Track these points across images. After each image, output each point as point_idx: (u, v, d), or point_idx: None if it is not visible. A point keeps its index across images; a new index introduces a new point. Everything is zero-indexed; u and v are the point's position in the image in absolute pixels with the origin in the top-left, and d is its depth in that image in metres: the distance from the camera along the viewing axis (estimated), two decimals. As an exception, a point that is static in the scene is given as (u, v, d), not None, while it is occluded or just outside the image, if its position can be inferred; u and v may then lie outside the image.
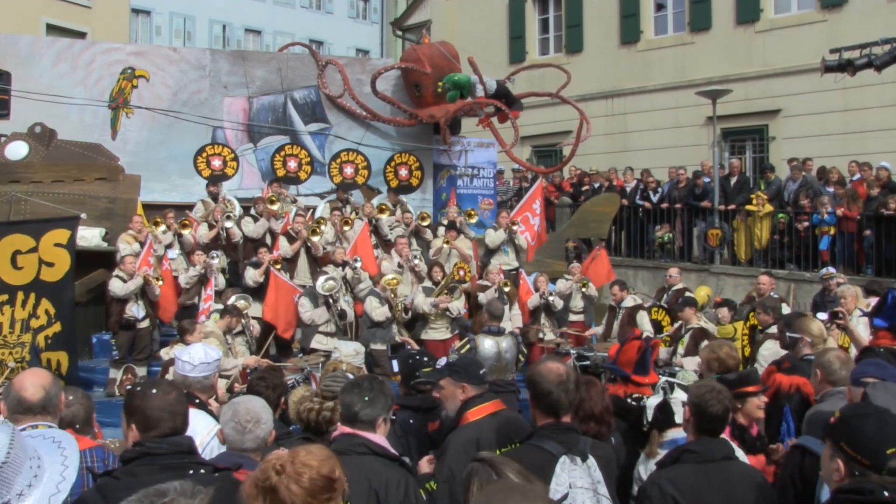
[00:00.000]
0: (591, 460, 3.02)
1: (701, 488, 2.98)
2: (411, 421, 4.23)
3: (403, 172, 13.03)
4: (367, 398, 3.05)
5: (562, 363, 3.34)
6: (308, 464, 2.18)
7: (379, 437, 3.06)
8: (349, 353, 8.79)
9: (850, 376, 3.49)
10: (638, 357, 4.07)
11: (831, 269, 10.64)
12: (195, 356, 3.81)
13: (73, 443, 2.47)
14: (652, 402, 3.96)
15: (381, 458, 3.00)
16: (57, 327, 7.86)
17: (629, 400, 4.06)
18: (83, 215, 8.10)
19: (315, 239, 10.38)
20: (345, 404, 3.10)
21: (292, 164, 12.73)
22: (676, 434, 3.71)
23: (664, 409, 3.79)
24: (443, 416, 4.09)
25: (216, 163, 12.18)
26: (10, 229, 8.06)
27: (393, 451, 3.10)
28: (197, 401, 3.69)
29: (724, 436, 3.77)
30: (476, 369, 3.64)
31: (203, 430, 3.51)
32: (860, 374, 3.44)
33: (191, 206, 11.39)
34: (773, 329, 6.68)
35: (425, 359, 4.51)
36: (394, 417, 3.37)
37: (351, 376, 3.93)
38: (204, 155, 12.19)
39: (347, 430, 3.05)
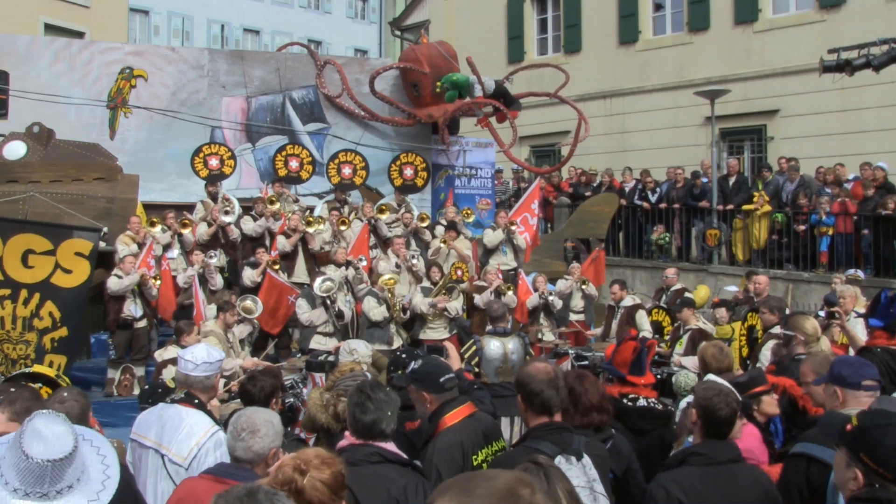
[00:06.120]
0: (587, 459, 3.02)
1: (707, 491, 2.98)
2: None
3: (409, 172, 13.02)
4: (389, 413, 2.99)
5: (549, 363, 3.35)
6: (327, 461, 2.25)
7: (389, 444, 3.00)
8: (365, 353, 8.66)
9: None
10: (633, 357, 4.06)
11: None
12: (198, 355, 3.79)
13: (108, 446, 2.45)
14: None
15: (395, 465, 2.95)
16: (63, 332, 8.03)
17: (625, 400, 4.05)
18: (105, 229, 8.20)
19: (310, 230, 10.34)
20: (367, 423, 2.97)
21: (294, 164, 12.69)
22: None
23: None
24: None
25: (213, 162, 12.08)
26: (26, 228, 8.28)
27: (404, 455, 3.04)
28: (196, 401, 3.69)
29: (756, 438, 3.79)
30: (436, 377, 3.49)
31: (200, 431, 3.51)
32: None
33: (189, 207, 11.36)
34: (778, 329, 6.66)
35: (403, 356, 4.49)
36: None
37: (369, 375, 3.92)
38: (201, 155, 12.08)
39: (358, 441, 2.98)
